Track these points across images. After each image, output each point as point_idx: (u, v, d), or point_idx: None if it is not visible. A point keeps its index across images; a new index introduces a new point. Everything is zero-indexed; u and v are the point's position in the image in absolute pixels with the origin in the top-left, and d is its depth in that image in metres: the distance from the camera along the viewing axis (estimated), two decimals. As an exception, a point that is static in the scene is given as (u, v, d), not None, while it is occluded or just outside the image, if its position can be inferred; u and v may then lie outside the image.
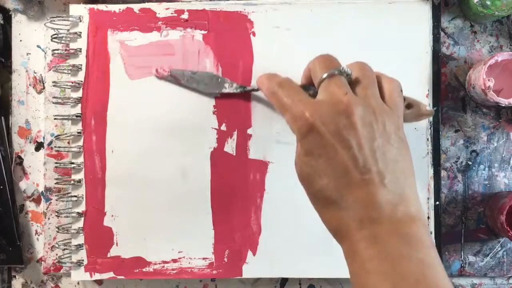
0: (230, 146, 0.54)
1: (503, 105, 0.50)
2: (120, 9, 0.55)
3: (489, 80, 0.50)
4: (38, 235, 0.58)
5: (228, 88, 0.48)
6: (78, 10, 0.55)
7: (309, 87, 0.39)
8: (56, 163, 0.56)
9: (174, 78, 0.49)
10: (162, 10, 0.55)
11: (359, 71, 0.38)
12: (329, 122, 0.34)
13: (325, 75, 0.36)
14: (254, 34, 0.55)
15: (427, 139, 0.54)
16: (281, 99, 0.37)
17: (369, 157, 0.34)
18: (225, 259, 0.54)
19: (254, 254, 0.54)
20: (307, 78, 0.40)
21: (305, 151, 0.36)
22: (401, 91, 0.39)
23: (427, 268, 0.32)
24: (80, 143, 0.55)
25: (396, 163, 0.34)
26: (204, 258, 0.54)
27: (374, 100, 0.36)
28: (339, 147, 0.34)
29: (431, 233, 0.54)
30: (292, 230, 0.54)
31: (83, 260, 0.55)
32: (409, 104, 0.42)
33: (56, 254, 0.56)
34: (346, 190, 0.34)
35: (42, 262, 0.57)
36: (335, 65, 0.37)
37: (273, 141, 0.54)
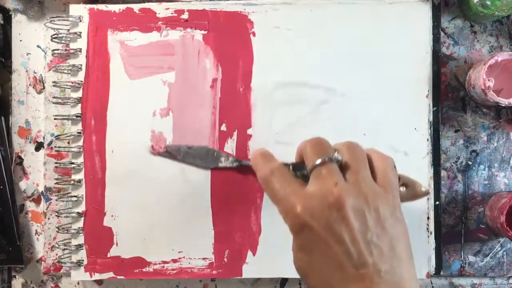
0: (230, 146, 0.54)
1: (503, 105, 0.50)
2: (120, 9, 0.55)
3: (489, 80, 0.50)
4: (38, 235, 0.58)
5: (224, 162, 0.47)
6: (78, 10, 0.55)
7: (302, 166, 0.39)
8: (56, 163, 0.56)
9: (170, 154, 0.48)
10: (162, 10, 0.55)
11: (348, 152, 0.37)
12: (320, 216, 0.33)
13: (317, 162, 0.36)
14: (254, 34, 0.55)
15: (427, 139, 0.54)
16: (273, 189, 0.37)
17: (364, 250, 0.33)
18: (225, 259, 0.54)
19: (254, 254, 0.54)
20: (300, 157, 0.39)
21: (298, 246, 0.35)
22: (395, 167, 0.38)
23: None
24: (80, 143, 0.55)
25: (393, 250, 0.34)
26: (204, 258, 0.54)
27: (366, 185, 0.35)
28: (331, 242, 0.33)
29: (431, 233, 0.54)
30: (292, 230, 0.54)
31: (83, 260, 0.55)
32: (404, 184, 0.41)
33: (56, 254, 0.56)
34: (341, 286, 0.33)
35: (42, 262, 0.57)
36: (327, 150, 0.37)
37: (273, 141, 0.54)
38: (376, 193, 0.35)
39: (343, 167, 0.36)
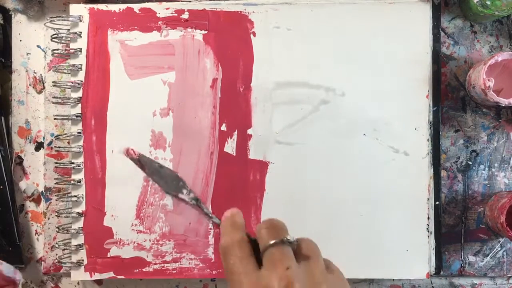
0: (230, 146, 0.54)
1: (503, 105, 0.50)
2: (120, 8, 0.55)
3: (489, 80, 0.50)
4: (38, 235, 0.58)
5: (184, 195, 0.46)
6: (78, 10, 0.55)
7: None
8: (56, 163, 0.56)
9: (140, 164, 0.47)
10: (162, 10, 0.55)
11: (304, 241, 0.37)
12: None
13: (270, 243, 0.35)
14: (254, 34, 0.55)
15: (427, 139, 0.54)
16: (228, 263, 0.36)
17: None
18: (225, 259, 0.54)
19: (254, 254, 0.54)
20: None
21: None
22: None
23: None
24: (80, 143, 0.55)
25: None
26: (204, 258, 0.54)
27: (318, 271, 0.35)
28: None
29: (431, 233, 0.54)
30: (291, 230, 0.54)
31: (83, 260, 0.55)
32: None
33: (56, 254, 0.56)
34: None
35: (42, 262, 0.57)
36: (281, 232, 0.36)
37: (273, 141, 0.54)
38: (326, 279, 0.35)
39: (297, 253, 0.36)
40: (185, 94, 0.55)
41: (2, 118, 0.58)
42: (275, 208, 0.54)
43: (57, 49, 0.56)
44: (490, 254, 0.56)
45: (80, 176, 0.55)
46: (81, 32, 0.55)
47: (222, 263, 0.36)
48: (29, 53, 0.58)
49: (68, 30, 0.55)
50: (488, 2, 0.51)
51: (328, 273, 0.35)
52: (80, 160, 0.55)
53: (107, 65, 0.55)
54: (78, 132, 0.55)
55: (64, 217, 0.55)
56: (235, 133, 0.54)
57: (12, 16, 0.59)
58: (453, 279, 0.57)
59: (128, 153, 0.48)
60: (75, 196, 0.55)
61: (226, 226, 0.38)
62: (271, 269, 0.34)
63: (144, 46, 0.55)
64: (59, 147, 0.55)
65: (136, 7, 0.55)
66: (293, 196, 0.54)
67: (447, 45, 0.56)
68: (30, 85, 0.58)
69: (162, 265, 0.55)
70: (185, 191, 0.45)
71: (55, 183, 0.55)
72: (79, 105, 0.55)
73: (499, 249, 0.56)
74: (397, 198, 0.54)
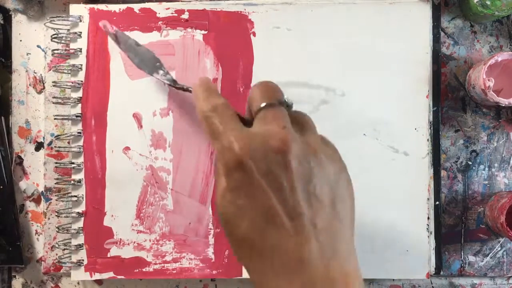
0: (230, 146, 0.54)
1: (503, 105, 0.50)
2: (120, 9, 0.55)
3: (489, 80, 0.50)
4: (38, 235, 0.58)
5: (160, 75, 0.46)
6: (78, 10, 0.55)
7: (252, 121, 0.35)
8: (56, 163, 0.56)
9: (116, 39, 0.48)
10: (162, 10, 0.55)
11: (302, 115, 0.34)
12: (259, 158, 0.29)
13: (263, 104, 0.32)
14: (254, 34, 0.55)
15: (427, 139, 0.54)
16: (212, 124, 0.32)
17: (301, 201, 0.29)
18: (225, 259, 0.54)
19: (254, 254, 0.54)
20: (250, 112, 0.34)
21: (230, 188, 0.30)
22: None
23: None
24: (80, 143, 0.55)
25: (334, 208, 0.30)
26: (204, 258, 0.54)
27: (314, 140, 0.32)
28: (268, 188, 0.29)
29: (431, 233, 0.54)
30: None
31: (83, 260, 0.55)
32: None
33: (56, 254, 0.56)
34: (272, 237, 0.29)
35: (42, 262, 0.57)
36: (277, 95, 0.33)
37: (273, 141, 0.54)
38: (324, 151, 0.32)
39: (292, 121, 0.33)
40: (185, 94, 0.55)
41: (2, 118, 0.58)
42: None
43: (57, 49, 0.56)
44: (490, 254, 0.56)
45: (80, 176, 0.55)
46: (81, 32, 0.55)
47: (205, 130, 0.33)
48: (29, 53, 0.58)
49: (68, 30, 0.55)
50: (488, 2, 0.51)
51: (323, 144, 0.33)
52: (80, 160, 0.55)
53: (107, 65, 0.55)
54: (78, 132, 0.55)
55: (64, 217, 0.55)
56: (235, 133, 0.54)
57: (12, 16, 0.59)
58: (453, 279, 0.57)
59: (105, 28, 0.49)
60: (75, 196, 0.55)
61: (199, 93, 0.35)
62: (265, 127, 0.31)
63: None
64: (59, 147, 0.55)
65: (136, 7, 0.55)
66: (293, 196, 0.54)
67: (447, 45, 0.56)
68: (30, 85, 0.58)
69: (162, 265, 0.55)
70: (161, 72, 0.45)
71: (55, 183, 0.55)
72: (79, 105, 0.55)
73: (499, 249, 0.56)
74: (397, 198, 0.54)
